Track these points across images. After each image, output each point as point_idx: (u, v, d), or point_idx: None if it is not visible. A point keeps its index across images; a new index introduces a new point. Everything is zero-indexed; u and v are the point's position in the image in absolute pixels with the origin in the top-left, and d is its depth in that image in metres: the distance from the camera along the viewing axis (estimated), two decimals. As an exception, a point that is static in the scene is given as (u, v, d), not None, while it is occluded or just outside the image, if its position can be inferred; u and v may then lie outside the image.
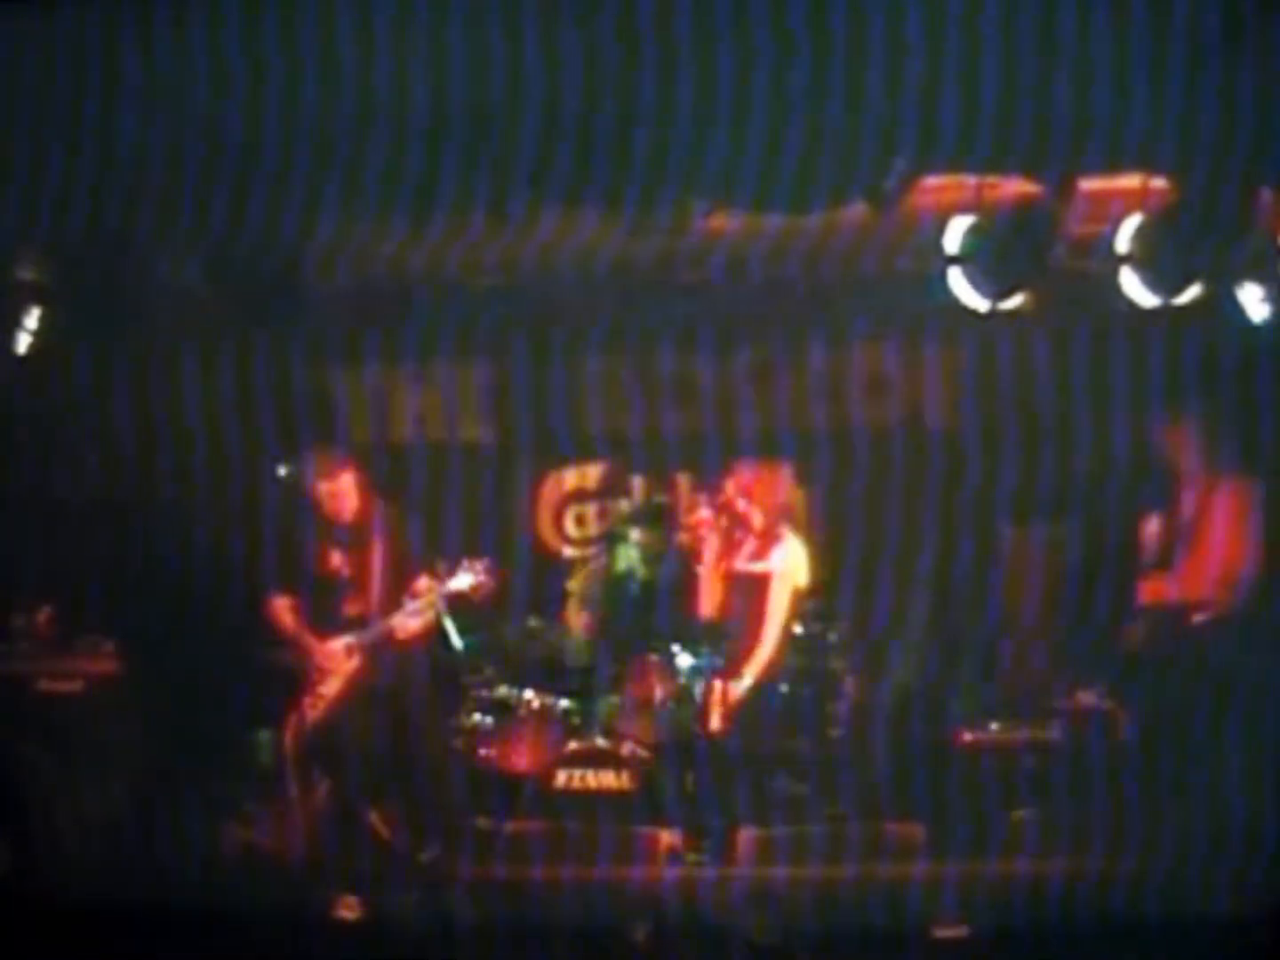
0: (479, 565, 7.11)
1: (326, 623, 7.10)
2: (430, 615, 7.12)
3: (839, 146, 6.51)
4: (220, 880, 6.48)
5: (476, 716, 7.52)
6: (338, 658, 7.04)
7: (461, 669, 7.57)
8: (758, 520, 7.36)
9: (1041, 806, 6.72)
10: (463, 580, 7.07)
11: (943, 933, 6.22)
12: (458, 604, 7.23)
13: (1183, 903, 5.98)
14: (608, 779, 7.09)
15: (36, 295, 7.60)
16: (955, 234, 7.27)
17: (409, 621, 7.06)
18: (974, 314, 7.30)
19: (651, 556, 7.82)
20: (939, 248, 7.23)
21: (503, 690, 7.53)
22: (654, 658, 7.46)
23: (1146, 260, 7.04)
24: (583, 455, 8.54)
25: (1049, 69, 6.07)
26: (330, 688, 7.03)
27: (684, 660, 7.34)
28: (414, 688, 7.16)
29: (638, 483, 8.36)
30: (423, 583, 7.11)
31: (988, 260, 7.15)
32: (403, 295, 7.85)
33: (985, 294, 7.31)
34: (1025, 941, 6.04)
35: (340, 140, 6.49)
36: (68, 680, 7.43)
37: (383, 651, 7.04)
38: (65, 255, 7.38)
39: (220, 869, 6.61)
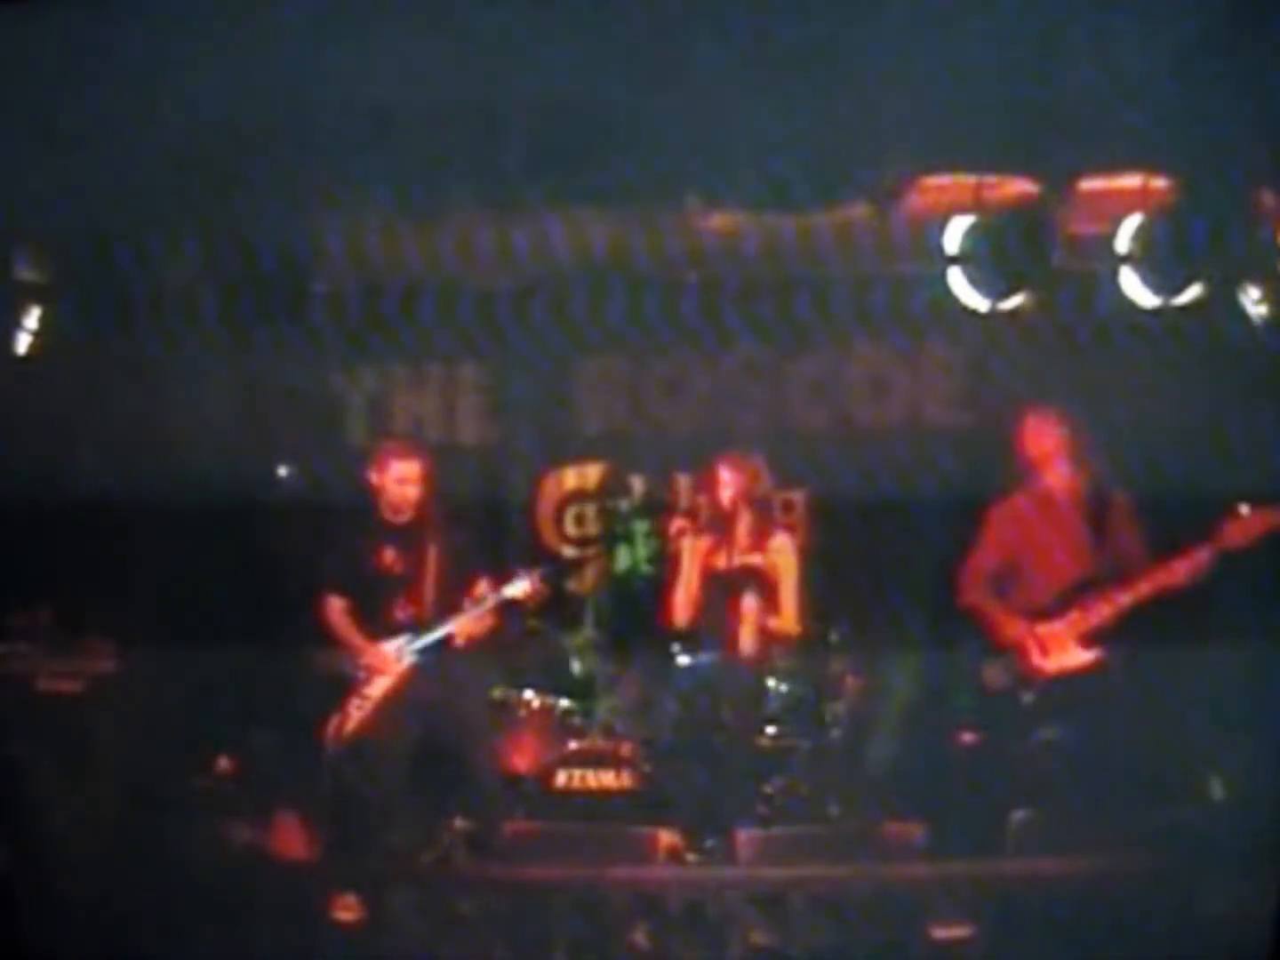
0: (535, 573, 7.12)
1: (376, 625, 7.08)
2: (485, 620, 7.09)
3: (839, 146, 6.52)
4: (221, 880, 6.46)
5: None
6: (388, 661, 7.04)
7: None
8: (756, 520, 7.35)
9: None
10: (517, 587, 7.08)
11: (943, 933, 6.23)
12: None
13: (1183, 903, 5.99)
14: (608, 779, 7.09)
15: (36, 295, 7.61)
16: (955, 234, 7.28)
17: (464, 627, 7.05)
18: (974, 314, 7.32)
19: (651, 556, 7.82)
20: (939, 248, 7.24)
21: (502, 690, 7.52)
22: (654, 657, 7.45)
23: (1146, 260, 7.05)
24: (583, 455, 8.53)
25: (1049, 68, 6.08)
26: (377, 690, 7.03)
27: (684, 660, 7.33)
28: (463, 696, 7.14)
29: (638, 483, 8.34)
30: (480, 587, 7.10)
31: (988, 260, 7.16)
32: (399, 294, 7.85)
33: (985, 294, 7.33)
34: (1025, 941, 6.05)
35: (339, 139, 6.50)
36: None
37: (435, 657, 7.03)
38: (65, 254, 7.39)
39: (224, 869, 6.60)
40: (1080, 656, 6.75)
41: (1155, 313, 7.20)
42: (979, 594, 6.91)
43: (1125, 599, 6.67)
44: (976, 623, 6.88)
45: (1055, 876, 6.34)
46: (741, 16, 6.08)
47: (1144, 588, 6.64)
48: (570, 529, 8.60)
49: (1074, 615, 6.76)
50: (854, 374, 8.21)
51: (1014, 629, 6.82)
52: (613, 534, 8.04)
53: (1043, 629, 6.78)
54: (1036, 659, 6.79)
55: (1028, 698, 6.81)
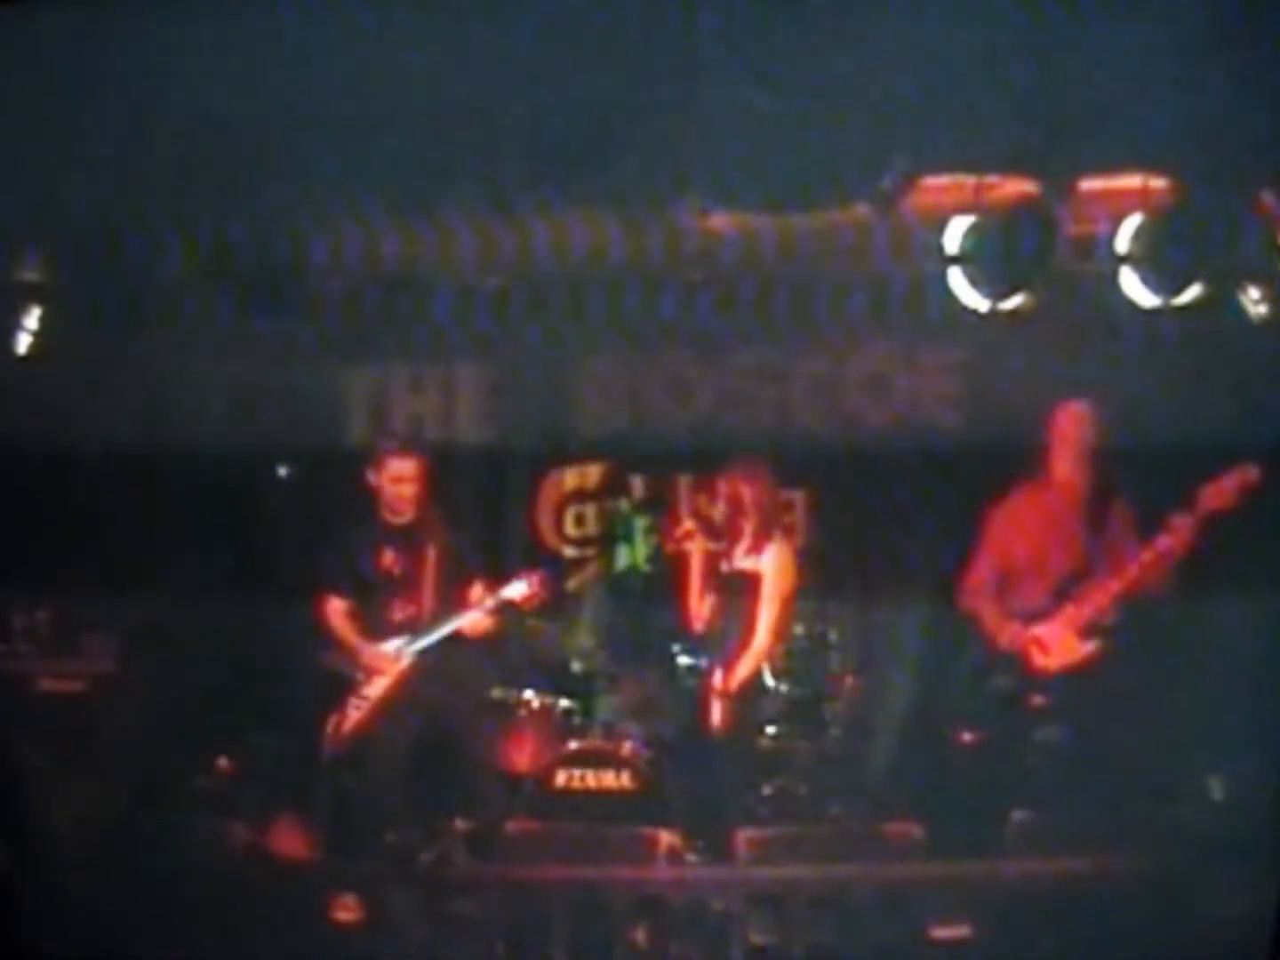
0: (535, 574, 7.12)
1: (376, 626, 7.07)
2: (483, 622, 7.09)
3: (839, 146, 6.52)
4: (221, 880, 6.46)
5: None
6: (388, 661, 7.02)
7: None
8: (756, 519, 7.34)
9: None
10: (516, 589, 7.07)
11: (943, 933, 6.23)
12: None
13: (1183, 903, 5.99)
14: (608, 779, 7.09)
15: (36, 294, 7.61)
16: (955, 234, 7.28)
17: (463, 628, 7.04)
18: (974, 314, 7.31)
19: (651, 556, 7.81)
20: (939, 248, 7.24)
21: (502, 690, 7.52)
22: (654, 657, 7.45)
23: (1146, 260, 7.05)
24: (583, 455, 8.52)
25: (1049, 68, 6.08)
26: (377, 690, 7.02)
27: (684, 660, 7.33)
28: (463, 696, 7.13)
29: (638, 483, 8.34)
30: (480, 587, 7.09)
31: (988, 260, 7.16)
32: (398, 294, 7.84)
33: (985, 294, 7.33)
34: (1025, 941, 6.05)
35: (340, 138, 6.50)
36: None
37: (434, 658, 7.02)
38: (65, 254, 7.39)
39: (223, 869, 6.61)
40: (1078, 654, 6.75)
41: (1155, 312, 7.20)
42: (977, 596, 6.92)
43: (1118, 588, 6.68)
44: (976, 624, 6.88)
45: (1055, 877, 6.34)
46: (741, 17, 6.09)
47: (1134, 574, 6.65)
48: (570, 529, 8.59)
49: (1070, 611, 6.77)
50: (853, 374, 8.20)
51: (1012, 628, 6.82)
52: (613, 534, 8.04)
53: (1040, 627, 6.79)
54: (1036, 658, 6.79)
55: (1027, 697, 6.81)
